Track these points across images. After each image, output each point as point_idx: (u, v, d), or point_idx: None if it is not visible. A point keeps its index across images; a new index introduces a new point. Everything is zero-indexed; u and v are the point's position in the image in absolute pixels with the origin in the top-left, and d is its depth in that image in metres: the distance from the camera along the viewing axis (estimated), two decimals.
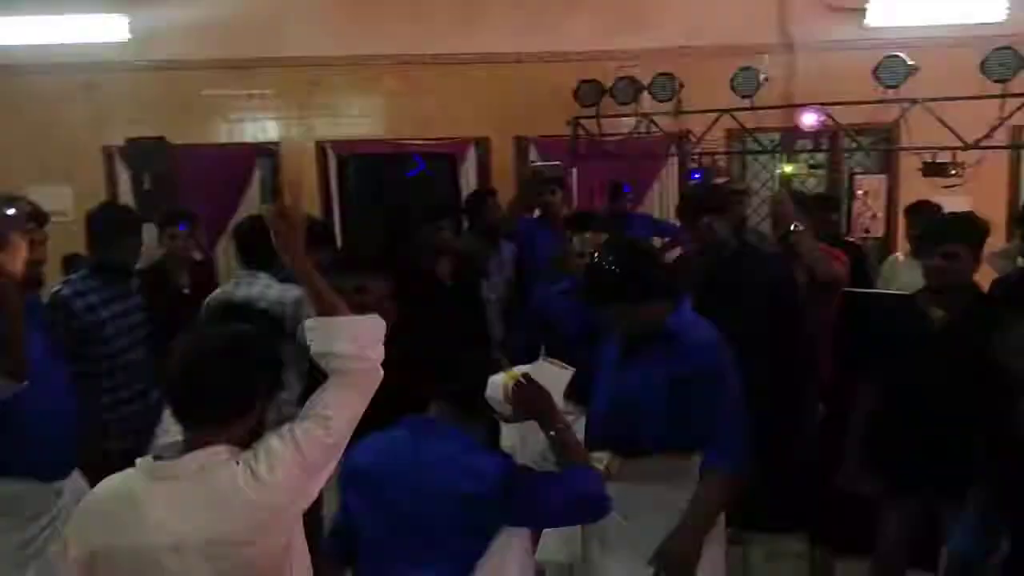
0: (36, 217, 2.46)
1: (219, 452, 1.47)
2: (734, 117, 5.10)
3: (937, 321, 2.44)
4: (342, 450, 1.62)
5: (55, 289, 2.94)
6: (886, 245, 5.98)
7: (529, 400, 1.78)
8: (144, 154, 5.34)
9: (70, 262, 4.09)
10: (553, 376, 1.84)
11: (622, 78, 5.38)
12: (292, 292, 2.78)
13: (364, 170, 5.79)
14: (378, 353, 1.66)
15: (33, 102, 6.16)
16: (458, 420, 1.79)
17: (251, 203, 6.23)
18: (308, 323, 1.69)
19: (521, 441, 2.29)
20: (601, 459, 2.09)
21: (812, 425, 2.86)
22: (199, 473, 1.45)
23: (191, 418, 1.50)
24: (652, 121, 5.49)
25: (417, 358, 1.83)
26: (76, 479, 2.56)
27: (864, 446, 2.61)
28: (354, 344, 1.62)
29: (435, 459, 1.72)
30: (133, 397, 3.01)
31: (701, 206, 2.98)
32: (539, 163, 5.49)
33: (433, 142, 6.22)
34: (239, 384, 1.50)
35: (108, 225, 3.06)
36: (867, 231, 5.89)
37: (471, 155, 6.32)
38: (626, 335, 2.21)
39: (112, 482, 1.54)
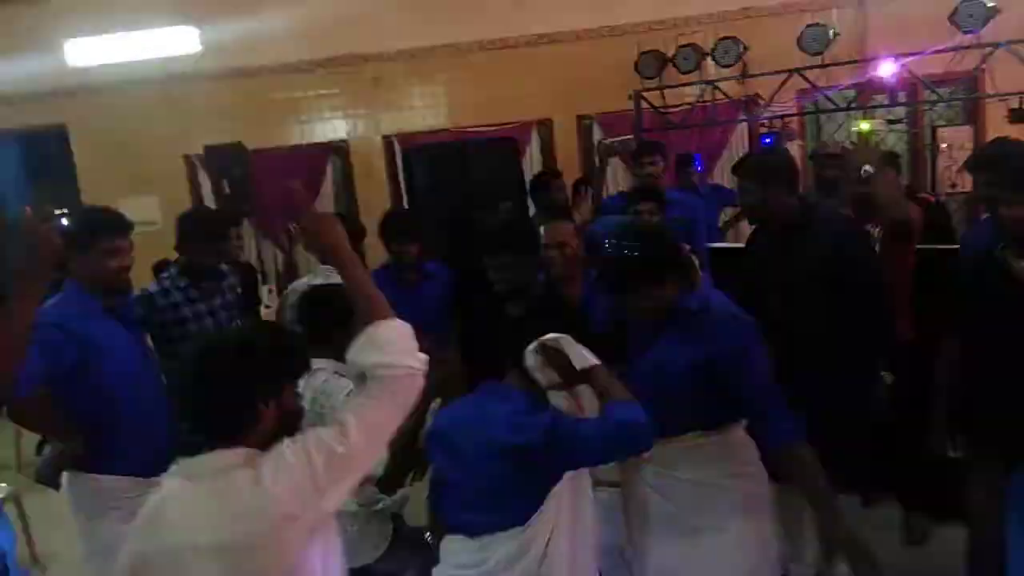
0: (121, 226, 2.61)
1: (237, 454, 1.46)
2: (804, 76, 4.92)
3: (1019, 273, 2.30)
4: (363, 463, 1.55)
5: (143, 288, 3.08)
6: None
7: (556, 363, 1.89)
8: (222, 160, 5.58)
9: (160, 268, 4.32)
10: (576, 349, 1.90)
11: (684, 46, 5.26)
12: None
13: (429, 161, 5.88)
14: (417, 360, 1.58)
15: (117, 119, 6.52)
16: (525, 385, 1.92)
17: (326, 200, 6.43)
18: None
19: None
20: None
21: (881, 387, 2.74)
22: (216, 475, 1.45)
23: (200, 432, 1.51)
24: (717, 88, 5.36)
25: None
26: None
27: (947, 408, 2.50)
28: (383, 353, 1.55)
29: (494, 417, 1.85)
30: None
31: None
32: (609, 140, 5.43)
33: (495, 127, 6.25)
34: (236, 400, 1.48)
35: (196, 227, 3.21)
36: (953, 185, 5.60)
37: (534, 138, 6.33)
38: (643, 319, 2.17)
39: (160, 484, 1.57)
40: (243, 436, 1.48)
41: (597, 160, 4.61)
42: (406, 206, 6.34)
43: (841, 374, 2.54)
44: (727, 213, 5.22)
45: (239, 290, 3.36)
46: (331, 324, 2.36)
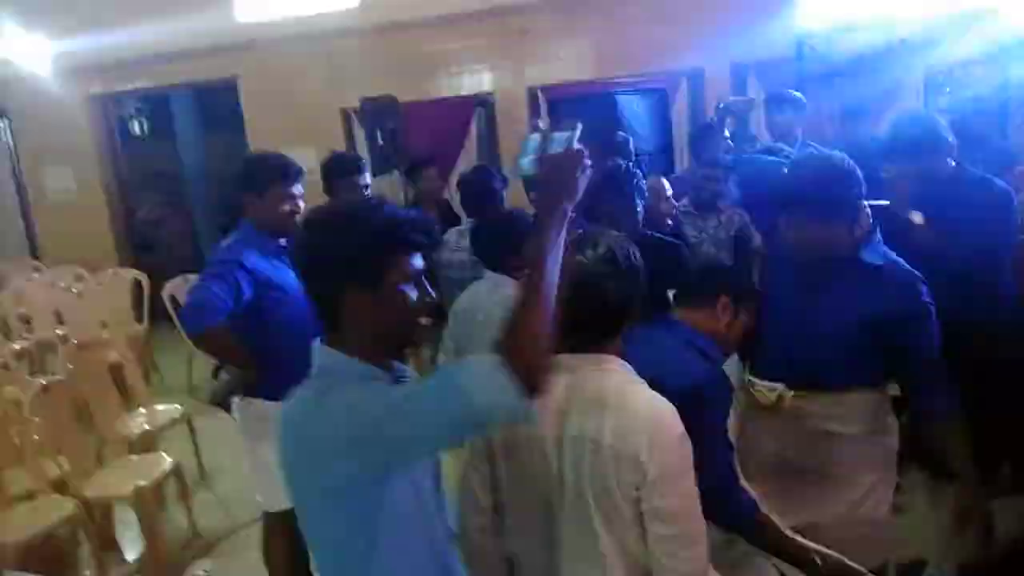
0: (294, 173, 2.74)
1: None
2: None
3: None
4: None
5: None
6: None
7: None
8: (377, 113, 5.74)
9: None
10: None
11: None
12: None
13: (574, 113, 5.80)
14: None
15: (277, 72, 6.86)
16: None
17: (470, 153, 6.50)
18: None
19: None
20: (774, 389, 2.05)
21: None
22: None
23: None
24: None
25: None
26: None
27: None
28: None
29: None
30: None
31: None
32: (732, 98, 5.11)
33: (643, 78, 6.06)
34: None
35: (333, 165, 3.33)
36: None
37: (683, 88, 6.09)
38: (807, 260, 2.04)
39: None
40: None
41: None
42: None
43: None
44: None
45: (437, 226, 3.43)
46: (506, 251, 2.52)
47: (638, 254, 1.58)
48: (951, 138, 2.57)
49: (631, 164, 3.22)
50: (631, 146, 4.14)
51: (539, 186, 1.37)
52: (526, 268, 1.28)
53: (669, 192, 3.23)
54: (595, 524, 1.44)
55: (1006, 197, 2.59)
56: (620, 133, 4.24)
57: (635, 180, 2.89)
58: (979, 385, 2.23)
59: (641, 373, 1.53)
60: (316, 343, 1.41)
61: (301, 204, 2.71)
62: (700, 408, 1.57)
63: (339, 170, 3.28)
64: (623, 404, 1.43)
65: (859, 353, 1.99)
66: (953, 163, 2.58)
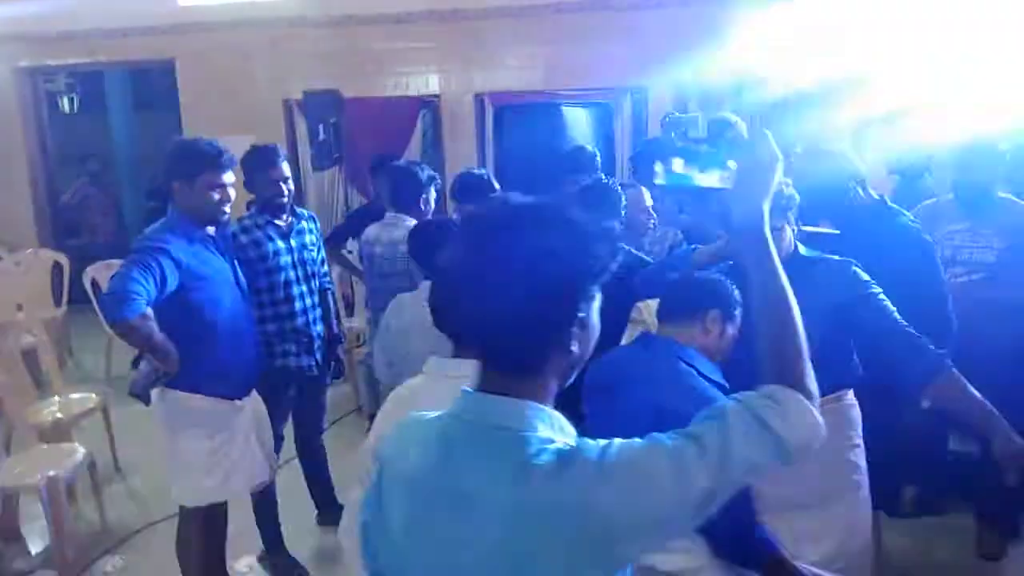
0: (226, 162, 2.68)
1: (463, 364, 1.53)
2: None
3: None
4: None
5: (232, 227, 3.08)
6: None
7: None
8: (320, 106, 5.66)
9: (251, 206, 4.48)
10: None
11: None
12: None
13: (519, 121, 5.85)
14: None
15: (222, 57, 6.70)
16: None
17: (413, 153, 6.48)
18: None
19: None
20: None
21: None
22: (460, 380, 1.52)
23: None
24: None
25: None
26: (256, 398, 2.83)
27: None
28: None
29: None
30: (297, 328, 3.19)
31: None
32: (676, 114, 5.24)
33: (590, 92, 6.15)
34: None
35: (250, 159, 3.12)
36: None
37: (627, 104, 6.21)
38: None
39: (411, 380, 1.72)
40: (527, 380, 1.53)
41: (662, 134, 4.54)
42: (492, 166, 6.34)
43: None
44: None
45: (316, 232, 3.38)
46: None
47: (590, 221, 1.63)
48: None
49: (610, 180, 3.28)
50: (598, 160, 4.19)
51: (740, 188, 1.16)
52: (763, 291, 1.13)
53: (648, 203, 3.26)
54: None
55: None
56: (588, 147, 4.27)
57: (616, 197, 2.94)
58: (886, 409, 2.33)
59: (644, 403, 1.59)
60: (471, 393, 1.05)
61: (232, 192, 2.66)
62: None
63: (255, 162, 3.08)
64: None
65: (833, 350, 1.98)
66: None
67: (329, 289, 3.46)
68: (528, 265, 0.96)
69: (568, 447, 0.98)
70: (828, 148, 2.96)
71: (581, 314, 1.01)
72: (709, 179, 1.21)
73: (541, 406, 1.02)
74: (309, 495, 3.57)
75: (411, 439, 1.10)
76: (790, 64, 5.22)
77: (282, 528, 3.27)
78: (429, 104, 6.64)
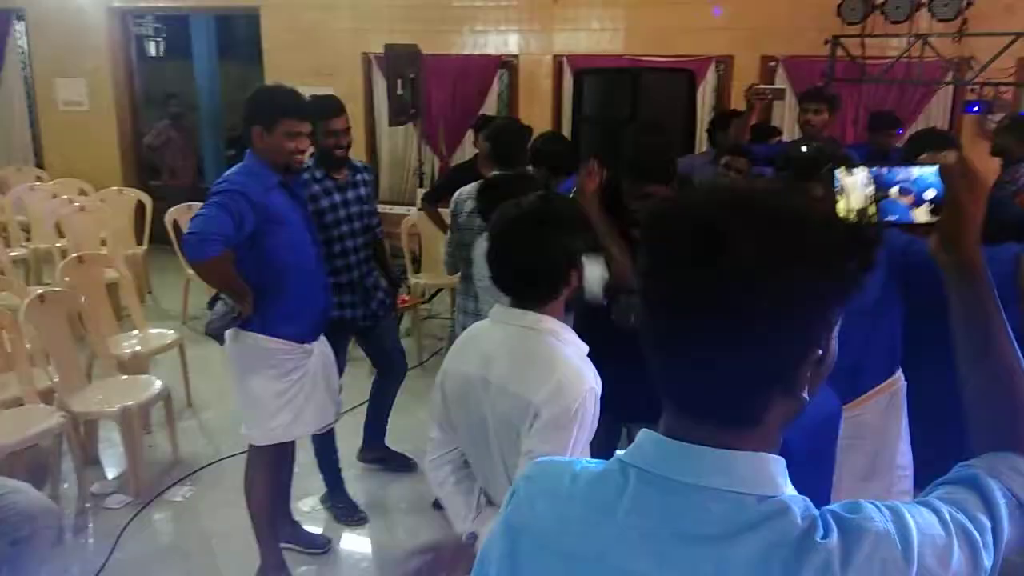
0: (305, 110, 2.69)
1: (544, 320, 1.58)
2: None
3: None
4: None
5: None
6: None
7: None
8: (399, 61, 5.66)
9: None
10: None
11: None
12: None
13: (597, 85, 5.72)
14: None
15: (305, 9, 6.75)
16: None
17: (489, 112, 6.43)
18: None
19: None
20: None
21: None
22: (525, 330, 1.59)
23: (516, 292, 1.64)
24: (928, 43, 4.86)
25: None
26: (323, 343, 2.88)
27: None
28: None
29: None
30: (352, 280, 3.23)
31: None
32: (762, 85, 5.09)
33: (673, 59, 5.99)
34: (558, 267, 1.60)
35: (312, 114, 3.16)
36: None
37: (711, 73, 6.02)
38: None
39: (474, 325, 1.77)
40: (545, 303, 1.60)
41: (745, 104, 4.37)
42: (569, 129, 6.25)
43: None
44: None
45: (371, 184, 3.37)
46: None
47: (576, 223, 1.64)
48: None
49: None
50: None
51: (950, 215, 0.95)
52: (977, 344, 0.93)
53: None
54: (502, 456, 1.61)
55: None
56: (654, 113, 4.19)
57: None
58: None
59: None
60: (691, 447, 0.75)
61: (307, 143, 2.68)
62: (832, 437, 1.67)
63: (315, 112, 2.85)
64: (536, 356, 1.56)
65: (884, 337, 2.03)
66: None
67: (381, 239, 3.47)
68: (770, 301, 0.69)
69: (842, 515, 0.72)
70: None
71: (819, 351, 0.75)
72: (922, 213, 0.98)
73: (779, 457, 0.76)
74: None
75: (558, 496, 0.81)
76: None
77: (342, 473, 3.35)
78: (507, 64, 6.56)
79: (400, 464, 3.71)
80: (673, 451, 0.76)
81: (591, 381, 1.55)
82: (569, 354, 1.57)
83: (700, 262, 0.70)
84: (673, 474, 0.74)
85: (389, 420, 3.70)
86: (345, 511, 3.34)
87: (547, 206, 1.62)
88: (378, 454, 3.72)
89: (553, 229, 1.58)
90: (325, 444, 3.25)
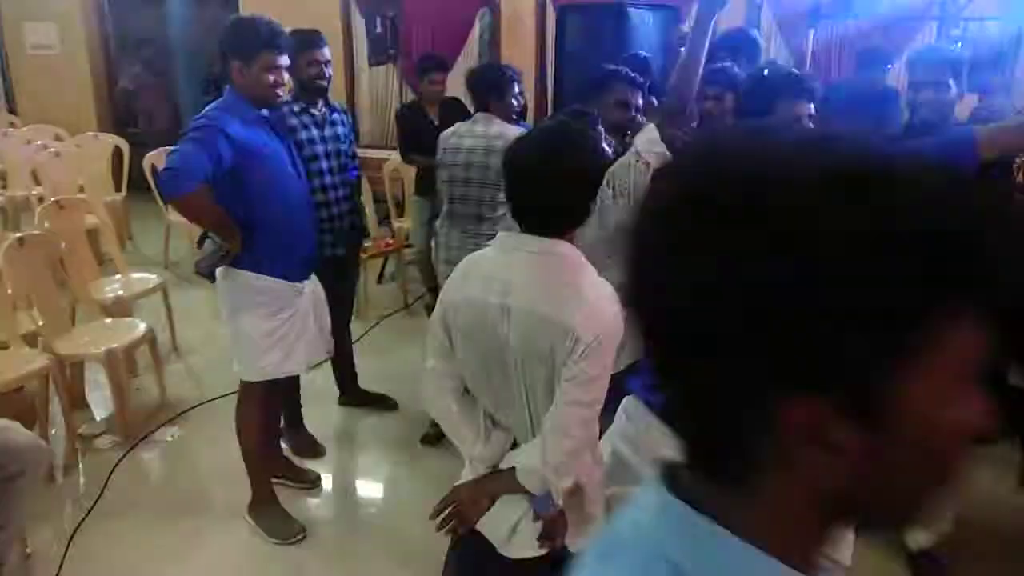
0: (283, 44, 2.63)
1: (560, 244, 1.57)
2: None
3: None
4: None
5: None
6: None
7: None
8: (377, 1, 5.54)
9: None
10: None
11: None
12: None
13: (582, 25, 5.63)
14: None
15: None
16: None
17: (470, 52, 6.33)
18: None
19: None
20: None
21: None
22: (541, 255, 1.57)
23: (532, 223, 1.60)
24: None
25: None
26: (315, 280, 2.88)
27: None
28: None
29: None
30: (332, 216, 3.21)
31: None
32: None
33: None
34: (580, 197, 1.57)
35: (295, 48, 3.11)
36: None
37: (693, 8, 5.93)
38: None
39: (473, 255, 1.73)
40: (563, 231, 1.58)
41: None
42: (552, 70, 6.16)
43: None
44: None
45: (348, 126, 3.35)
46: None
47: (598, 149, 1.62)
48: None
49: (649, 87, 3.13)
50: (652, 65, 4.01)
51: None
52: None
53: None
54: (522, 380, 1.60)
55: None
56: (642, 53, 4.11)
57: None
58: None
59: None
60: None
61: (286, 76, 2.64)
62: None
63: (299, 45, 2.93)
64: (562, 280, 1.55)
65: None
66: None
67: (355, 180, 3.43)
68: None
69: None
70: None
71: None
72: None
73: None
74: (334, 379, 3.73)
75: None
76: None
77: (303, 409, 3.41)
78: (489, 3, 6.43)
79: (380, 404, 3.75)
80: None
81: (615, 298, 1.56)
82: (593, 275, 1.58)
83: None
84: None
85: (374, 362, 3.73)
86: (305, 444, 3.39)
87: (569, 132, 1.61)
88: (356, 397, 3.77)
89: (577, 157, 1.56)
90: (287, 382, 3.16)
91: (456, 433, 1.73)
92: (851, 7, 5.04)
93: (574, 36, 5.56)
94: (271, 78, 2.58)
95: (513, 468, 1.63)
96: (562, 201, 1.56)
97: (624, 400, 1.89)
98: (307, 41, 3.07)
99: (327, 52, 3.13)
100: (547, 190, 1.54)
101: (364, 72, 6.70)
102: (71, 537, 2.87)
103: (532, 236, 1.58)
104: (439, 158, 3.26)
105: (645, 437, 1.78)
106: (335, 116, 3.25)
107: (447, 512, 1.70)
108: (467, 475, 1.74)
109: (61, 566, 2.73)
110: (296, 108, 3.10)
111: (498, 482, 1.67)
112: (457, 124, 3.29)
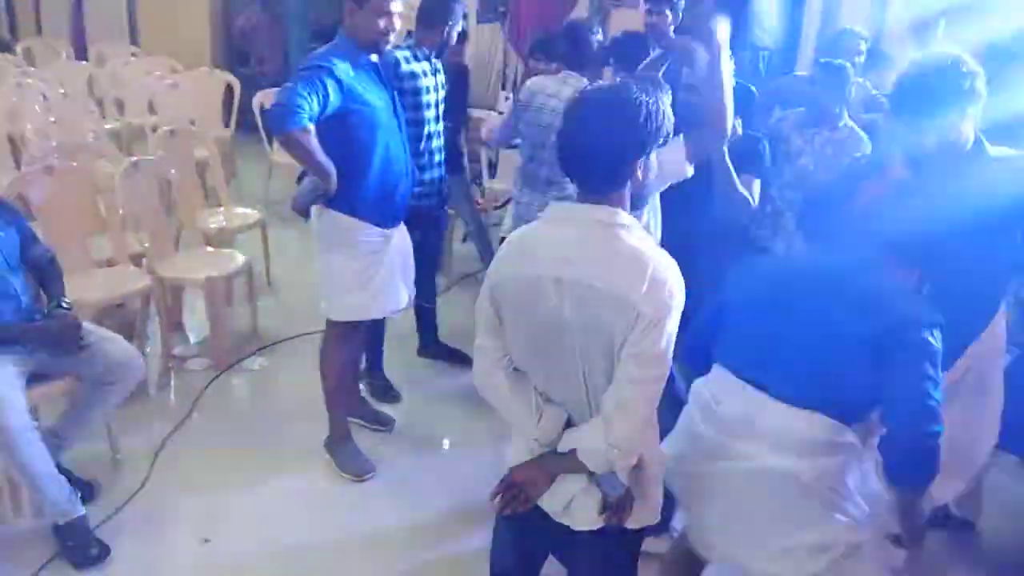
0: None
1: (610, 212, 1.52)
2: None
3: None
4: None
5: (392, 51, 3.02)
6: None
7: None
8: None
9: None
10: None
11: None
12: None
13: None
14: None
15: None
16: None
17: (580, 18, 6.19)
18: None
19: None
20: None
21: None
22: (591, 224, 1.52)
23: (582, 183, 1.57)
24: None
25: None
26: (402, 229, 2.91)
27: None
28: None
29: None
30: (428, 166, 3.23)
31: None
32: None
33: None
34: (626, 158, 1.52)
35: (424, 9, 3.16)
36: None
37: None
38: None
39: (521, 228, 1.68)
40: (613, 194, 1.53)
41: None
42: None
43: None
44: None
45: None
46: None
47: (656, 100, 1.52)
48: None
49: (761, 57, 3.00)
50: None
51: None
52: None
53: None
54: (578, 356, 1.54)
55: None
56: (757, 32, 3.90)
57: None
58: None
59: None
60: None
61: (397, 22, 2.64)
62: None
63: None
64: (620, 252, 1.49)
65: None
66: None
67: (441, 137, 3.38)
68: None
69: None
70: None
71: None
72: None
73: None
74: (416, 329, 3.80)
75: None
76: None
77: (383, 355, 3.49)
78: None
79: (457, 358, 3.75)
80: None
81: (676, 268, 1.51)
82: (651, 246, 1.53)
83: None
84: None
85: (454, 318, 3.76)
86: (381, 388, 3.47)
87: (626, 91, 1.53)
88: (435, 349, 3.83)
89: (629, 113, 1.49)
90: (374, 326, 3.24)
91: (508, 410, 1.67)
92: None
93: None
94: (381, 23, 2.58)
95: (574, 449, 1.58)
96: (612, 161, 1.51)
97: None
98: None
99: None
100: (596, 151, 1.50)
101: (472, 28, 6.67)
102: (159, 450, 3.03)
103: (587, 205, 1.53)
104: (522, 103, 3.19)
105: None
106: (438, 65, 3.26)
107: (507, 494, 1.66)
108: (520, 454, 1.68)
109: (148, 476, 2.88)
110: (408, 56, 3.11)
111: (559, 462, 1.61)
112: (545, 80, 3.20)
